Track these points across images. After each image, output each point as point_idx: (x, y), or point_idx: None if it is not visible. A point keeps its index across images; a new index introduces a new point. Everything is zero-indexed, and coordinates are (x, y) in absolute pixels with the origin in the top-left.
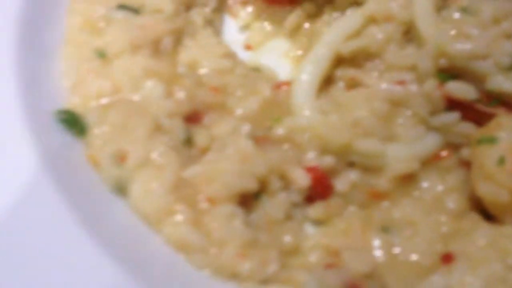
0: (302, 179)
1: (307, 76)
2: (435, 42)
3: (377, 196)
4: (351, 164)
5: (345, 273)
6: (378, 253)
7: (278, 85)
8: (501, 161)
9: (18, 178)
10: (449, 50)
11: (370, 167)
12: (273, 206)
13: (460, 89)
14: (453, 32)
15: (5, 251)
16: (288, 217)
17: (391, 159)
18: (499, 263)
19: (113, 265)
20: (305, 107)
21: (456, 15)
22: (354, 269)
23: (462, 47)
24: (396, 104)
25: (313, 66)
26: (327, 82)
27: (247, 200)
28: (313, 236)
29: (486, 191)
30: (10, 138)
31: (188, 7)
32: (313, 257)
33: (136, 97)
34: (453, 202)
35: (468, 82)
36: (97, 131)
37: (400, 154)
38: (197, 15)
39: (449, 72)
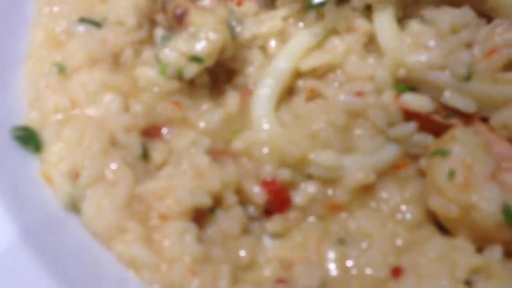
0: (258, 196)
1: (266, 90)
2: (392, 52)
3: (336, 208)
4: (310, 177)
5: None
6: (332, 267)
7: (248, 93)
8: (451, 174)
9: None
10: (406, 61)
11: (328, 179)
12: (228, 221)
13: (416, 101)
14: (410, 43)
15: None
16: (245, 231)
17: (349, 171)
18: (447, 278)
19: (60, 282)
20: (263, 120)
21: (415, 26)
22: (303, 284)
23: (419, 58)
24: (354, 115)
25: (272, 79)
26: (288, 92)
27: (202, 216)
28: (270, 249)
29: (437, 204)
30: None
31: (152, 21)
32: (268, 271)
33: (93, 112)
34: (410, 213)
35: (426, 93)
36: (53, 147)
37: (358, 166)
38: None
39: (408, 83)
